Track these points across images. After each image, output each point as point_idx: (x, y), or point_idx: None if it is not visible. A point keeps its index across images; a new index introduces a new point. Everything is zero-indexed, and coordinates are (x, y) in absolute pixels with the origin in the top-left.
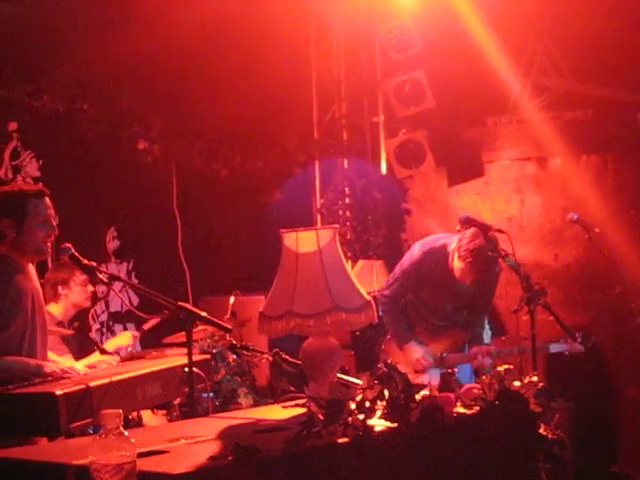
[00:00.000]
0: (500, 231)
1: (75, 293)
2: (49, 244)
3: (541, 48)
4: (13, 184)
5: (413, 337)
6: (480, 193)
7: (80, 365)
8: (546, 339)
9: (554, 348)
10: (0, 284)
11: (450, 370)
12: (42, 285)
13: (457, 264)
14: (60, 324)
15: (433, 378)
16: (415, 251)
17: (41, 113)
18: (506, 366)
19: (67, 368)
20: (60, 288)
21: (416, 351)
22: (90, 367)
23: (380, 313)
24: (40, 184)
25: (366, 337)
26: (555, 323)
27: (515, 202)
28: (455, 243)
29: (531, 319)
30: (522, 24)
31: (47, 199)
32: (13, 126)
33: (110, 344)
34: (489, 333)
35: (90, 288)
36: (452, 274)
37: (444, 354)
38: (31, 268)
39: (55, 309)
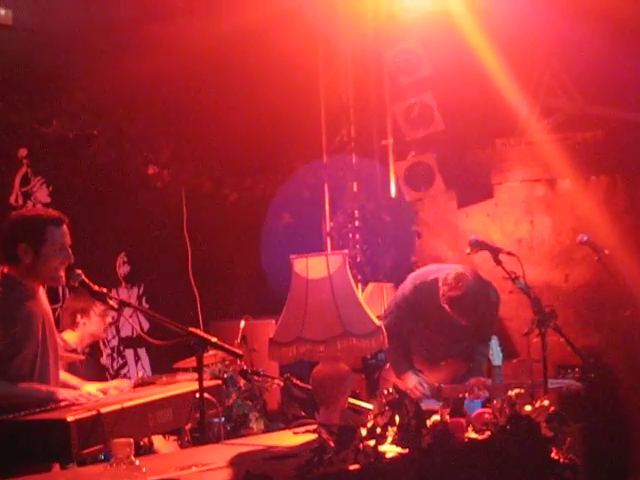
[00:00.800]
0: (510, 253)
1: (93, 323)
2: (62, 272)
3: (549, 70)
4: (31, 209)
5: (411, 366)
6: (490, 215)
7: (93, 388)
8: (557, 361)
9: (552, 384)
10: (11, 310)
11: (461, 395)
12: (60, 311)
13: (445, 307)
14: (74, 352)
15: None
16: (407, 285)
17: (51, 139)
18: (517, 390)
19: (78, 395)
20: (79, 317)
21: (411, 380)
22: (103, 392)
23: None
24: (57, 213)
25: (377, 361)
26: (566, 345)
27: (525, 224)
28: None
29: (542, 341)
30: (530, 46)
31: (65, 227)
32: (23, 152)
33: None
34: (500, 355)
35: (108, 319)
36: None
37: (442, 385)
38: (41, 291)
39: (71, 337)
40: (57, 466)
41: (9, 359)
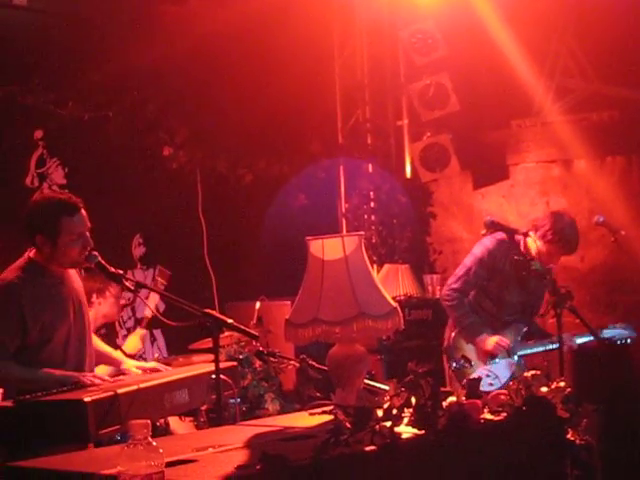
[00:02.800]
0: (526, 234)
1: (108, 304)
2: (84, 255)
3: (565, 50)
4: (47, 195)
5: (484, 329)
6: (505, 196)
7: (132, 364)
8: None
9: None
10: (40, 297)
11: (477, 376)
12: None
13: (546, 248)
14: None
15: (509, 366)
16: (488, 241)
17: (66, 121)
18: (533, 371)
19: (91, 377)
20: (94, 297)
21: (490, 339)
22: (141, 369)
23: (447, 309)
24: (72, 199)
25: (393, 341)
26: (582, 326)
27: (540, 205)
28: (532, 232)
29: (558, 322)
30: (545, 26)
31: (82, 213)
32: (39, 134)
33: (129, 348)
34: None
35: (122, 301)
36: (521, 265)
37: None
38: (72, 271)
39: None
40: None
41: (41, 346)
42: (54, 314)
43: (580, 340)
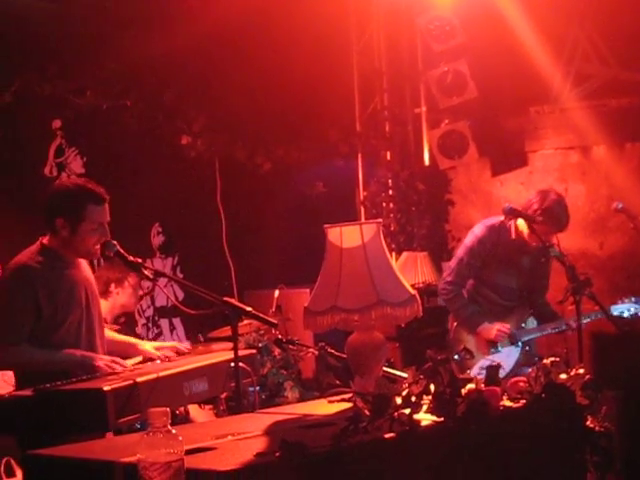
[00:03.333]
0: (544, 221)
1: (126, 294)
2: (98, 247)
3: (584, 36)
4: (74, 181)
5: (483, 319)
6: (524, 183)
7: (150, 346)
8: (592, 329)
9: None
10: (53, 280)
11: (496, 363)
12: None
13: (537, 228)
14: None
15: (513, 354)
16: (477, 229)
17: (85, 110)
18: (552, 358)
19: (110, 362)
20: (113, 286)
21: (491, 328)
22: (158, 349)
23: (444, 303)
24: (100, 189)
25: (412, 329)
26: (601, 313)
27: (559, 191)
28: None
29: (577, 309)
30: (564, 12)
31: (106, 205)
32: (57, 124)
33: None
34: (534, 322)
35: (140, 292)
36: (514, 249)
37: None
38: (83, 261)
39: (102, 306)
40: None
41: (54, 329)
42: (67, 297)
43: (584, 320)
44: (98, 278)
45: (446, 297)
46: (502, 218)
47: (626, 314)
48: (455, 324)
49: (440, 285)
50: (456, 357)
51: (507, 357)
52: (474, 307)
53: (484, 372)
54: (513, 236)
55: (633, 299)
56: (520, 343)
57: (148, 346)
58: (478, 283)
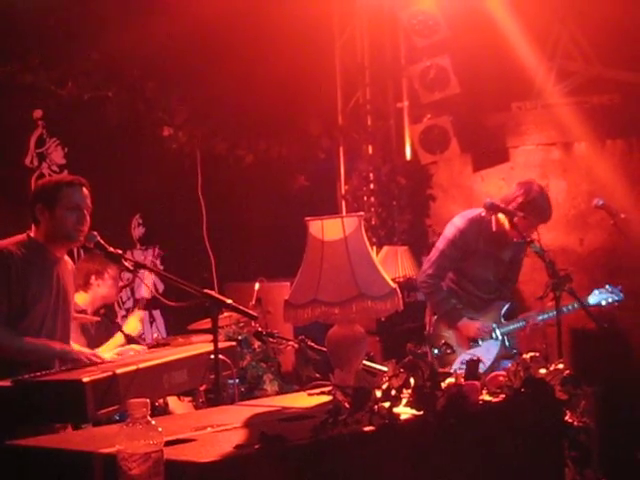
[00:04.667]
0: (525, 217)
1: (106, 286)
2: (81, 232)
3: (566, 32)
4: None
5: (462, 314)
6: (505, 178)
7: (108, 353)
8: (571, 325)
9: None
10: (27, 273)
11: (475, 357)
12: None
13: (521, 220)
14: (83, 312)
15: (492, 348)
16: (457, 222)
17: (66, 100)
18: (532, 353)
19: (91, 354)
20: (93, 278)
21: (471, 324)
22: (119, 354)
23: (423, 296)
24: (76, 176)
25: (392, 323)
26: (580, 309)
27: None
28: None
29: (557, 305)
30: (547, 8)
31: (82, 189)
32: (38, 114)
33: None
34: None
35: (120, 283)
36: (494, 241)
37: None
38: (68, 262)
39: (82, 298)
40: (71, 427)
41: (17, 320)
42: (36, 292)
43: (542, 317)
44: (78, 270)
45: (426, 290)
46: (482, 211)
47: (603, 303)
48: (434, 318)
49: (420, 278)
50: (436, 352)
51: (487, 351)
52: (454, 301)
53: (465, 366)
54: (494, 229)
55: (609, 288)
56: (499, 337)
57: (107, 356)
58: (457, 276)
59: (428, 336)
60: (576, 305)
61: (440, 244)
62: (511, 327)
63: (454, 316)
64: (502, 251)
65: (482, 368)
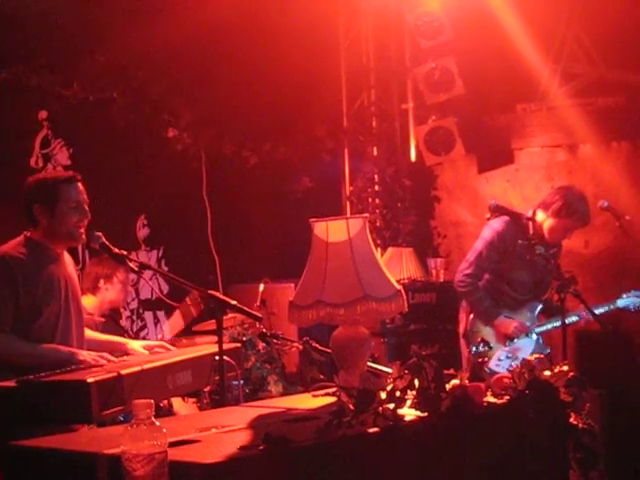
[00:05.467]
0: (530, 219)
1: (115, 290)
2: (82, 229)
3: (571, 34)
4: (45, 172)
5: (500, 312)
6: (510, 180)
7: (138, 345)
8: (576, 327)
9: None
10: (33, 272)
11: (481, 360)
12: (83, 276)
13: (557, 224)
14: (89, 315)
15: (528, 347)
16: (495, 223)
17: (71, 102)
18: (537, 355)
19: (97, 356)
20: (102, 282)
21: (509, 321)
22: (148, 348)
23: (461, 295)
24: (70, 172)
25: (396, 324)
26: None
27: (545, 189)
28: (540, 211)
29: (562, 307)
30: (552, 10)
31: (79, 185)
32: (43, 115)
33: None
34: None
35: (130, 288)
36: (531, 244)
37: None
38: (66, 255)
39: (90, 301)
40: (76, 427)
41: (30, 322)
42: (45, 289)
43: (598, 310)
44: (87, 274)
45: (464, 289)
46: (517, 213)
47: (631, 307)
48: (471, 316)
49: (458, 277)
50: (474, 349)
51: (524, 349)
52: (490, 300)
53: (502, 363)
54: (531, 231)
55: (636, 292)
56: (534, 335)
57: (136, 345)
58: (493, 277)
59: (465, 334)
60: (610, 307)
61: (478, 245)
62: (549, 326)
63: (491, 313)
64: (536, 255)
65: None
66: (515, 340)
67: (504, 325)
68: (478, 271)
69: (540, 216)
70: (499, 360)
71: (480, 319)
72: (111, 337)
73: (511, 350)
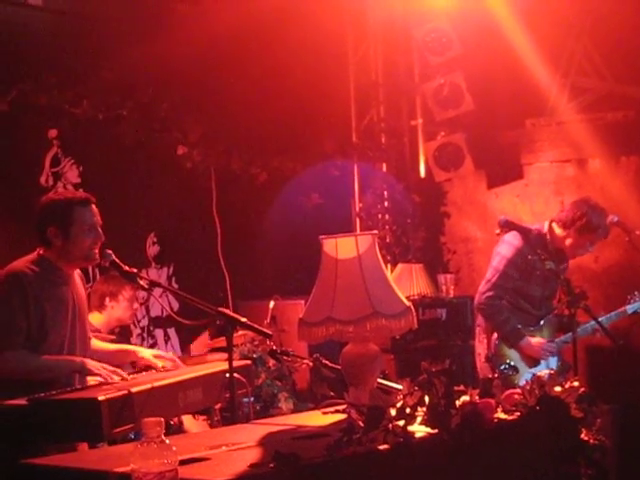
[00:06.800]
0: (547, 234)
1: (121, 308)
2: (97, 250)
3: (580, 49)
4: (59, 192)
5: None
6: (519, 195)
7: (148, 353)
8: (586, 342)
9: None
10: (43, 292)
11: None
12: (89, 294)
13: (581, 241)
14: (97, 332)
15: (552, 363)
16: (513, 239)
17: (81, 120)
18: (547, 371)
19: (101, 367)
20: (107, 300)
21: (535, 343)
22: (158, 357)
23: (484, 316)
24: (81, 190)
25: (406, 341)
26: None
27: (555, 204)
28: (557, 225)
29: (572, 322)
30: (561, 25)
31: (93, 207)
32: (53, 133)
33: None
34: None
35: (136, 305)
36: (540, 259)
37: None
38: (76, 276)
39: (97, 319)
40: (86, 445)
41: (39, 341)
42: (54, 310)
43: (609, 320)
44: (94, 292)
45: (488, 311)
46: (536, 226)
47: None
48: (493, 338)
49: (480, 299)
50: (501, 372)
51: (547, 368)
52: (514, 319)
53: None
54: (550, 246)
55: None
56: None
57: (147, 353)
58: (512, 294)
59: (491, 358)
60: (620, 315)
61: (499, 265)
62: (567, 339)
63: (517, 335)
64: (549, 270)
65: None
66: (542, 362)
67: (530, 348)
68: (500, 291)
69: (559, 231)
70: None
71: (505, 341)
72: (122, 345)
73: (535, 371)
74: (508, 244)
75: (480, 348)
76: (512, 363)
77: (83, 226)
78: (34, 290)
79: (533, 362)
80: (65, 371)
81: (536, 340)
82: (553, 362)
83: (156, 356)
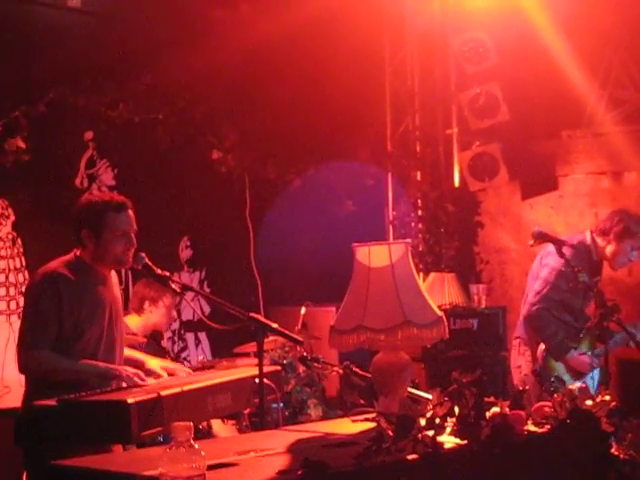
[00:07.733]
0: (573, 246)
1: (158, 314)
2: (130, 254)
3: (618, 60)
4: (97, 194)
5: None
6: (554, 207)
7: (156, 364)
8: (619, 355)
9: None
10: (79, 293)
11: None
12: (131, 295)
13: (621, 247)
14: (132, 334)
15: (596, 375)
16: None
17: (117, 123)
18: (579, 384)
19: (133, 373)
20: (147, 304)
21: (582, 359)
22: (165, 370)
23: (535, 329)
24: (121, 198)
25: (437, 350)
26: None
27: (589, 216)
28: (597, 236)
29: (604, 335)
30: (598, 36)
31: (129, 212)
32: (89, 135)
33: None
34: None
35: (174, 313)
36: (592, 269)
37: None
38: (113, 275)
39: (134, 321)
40: (115, 447)
41: (73, 342)
42: (89, 311)
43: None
44: (134, 294)
45: (539, 323)
46: (578, 237)
47: None
48: (540, 351)
49: (530, 311)
50: (550, 387)
51: (591, 379)
52: (561, 333)
53: None
54: (595, 257)
55: None
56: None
57: (154, 364)
58: (557, 306)
59: (538, 372)
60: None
61: (550, 276)
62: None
63: (563, 348)
64: (594, 279)
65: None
66: (586, 374)
67: (577, 363)
68: (550, 303)
69: (599, 240)
70: None
71: (552, 354)
72: (130, 353)
73: (581, 383)
74: (554, 255)
75: (521, 361)
76: (560, 376)
77: (115, 232)
78: (68, 290)
79: (578, 375)
80: (91, 374)
81: (581, 355)
82: (596, 375)
83: (163, 368)
